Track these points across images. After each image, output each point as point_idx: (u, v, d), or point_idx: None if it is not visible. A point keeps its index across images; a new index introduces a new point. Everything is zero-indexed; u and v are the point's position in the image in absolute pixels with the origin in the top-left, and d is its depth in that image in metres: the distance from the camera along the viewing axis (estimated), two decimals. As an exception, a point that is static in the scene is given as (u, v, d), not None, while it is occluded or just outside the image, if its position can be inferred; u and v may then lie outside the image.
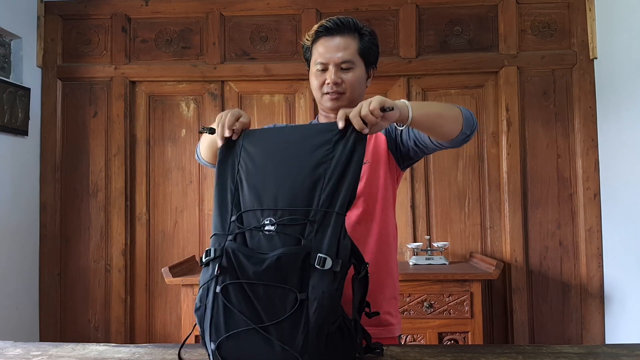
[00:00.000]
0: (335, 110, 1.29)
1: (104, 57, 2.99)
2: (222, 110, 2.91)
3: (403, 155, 1.32)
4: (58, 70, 2.96)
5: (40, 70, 2.95)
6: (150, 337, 2.90)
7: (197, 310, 0.94)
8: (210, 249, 0.96)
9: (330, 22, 1.28)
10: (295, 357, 0.86)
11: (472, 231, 2.84)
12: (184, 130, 2.97)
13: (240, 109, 2.90)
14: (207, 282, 0.93)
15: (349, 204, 0.94)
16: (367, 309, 1.04)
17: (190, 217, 2.94)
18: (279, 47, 2.95)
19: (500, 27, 2.86)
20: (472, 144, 2.86)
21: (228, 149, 1.03)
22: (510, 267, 2.75)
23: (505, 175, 2.80)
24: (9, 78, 2.75)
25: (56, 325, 2.89)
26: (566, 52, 2.82)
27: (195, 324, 0.97)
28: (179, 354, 1.02)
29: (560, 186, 2.80)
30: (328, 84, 1.26)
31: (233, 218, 0.96)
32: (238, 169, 0.99)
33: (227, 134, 1.02)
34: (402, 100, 1.07)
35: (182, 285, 2.39)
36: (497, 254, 2.81)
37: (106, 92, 2.98)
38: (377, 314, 1.05)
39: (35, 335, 2.84)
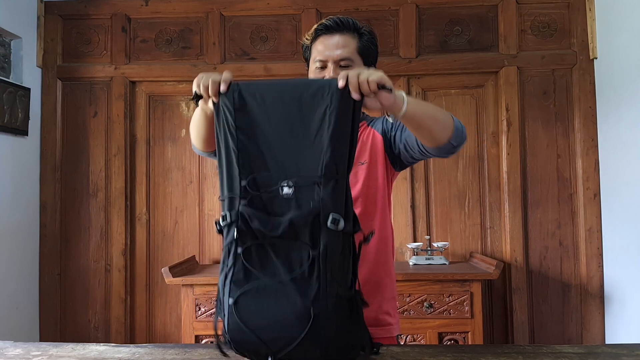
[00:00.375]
0: None
1: (104, 57, 2.99)
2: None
3: (396, 156, 1.32)
4: (58, 70, 2.96)
5: (40, 70, 2.95)
6: (150, 337, 2.90)
7: (221, 272, 0.97)
8: (225, 214, 0.96)
9: (330, 20, 1.29)
10: (307, 307, 0.89)
11: (472, 231, 2.84)
12: (184, 130, 2.97)
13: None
14: (229, 244, 0.95)
15: (349, 167, 0.96)
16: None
17: (190, 217, 2.94)
18: (279, 47, 2.95)
19: (500, 27, 2.86)
20: (472, 144, 2.86)
21: (220, 107, 0.99)
22: (510, 267, 2.75)
23: (505, 175, 2.80)
24: (9, 78, 2.75)
25: (56, 325, 2.89)
26: (566, 52, 2.83)
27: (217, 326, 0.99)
28: (219, 348, 1.00)
29: (560, 186, 2.80)
30: None
31: (244, 182, 0.95)
32: (237, 126, 0.97)
33: (214, 99, 0.99)
34: (401, 91, 1.07)
35: (182, 285, 2.39)
36: (497, 254, 2.81)
37: (106, 92, 2.98)
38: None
39: (35, 335, 2.84)
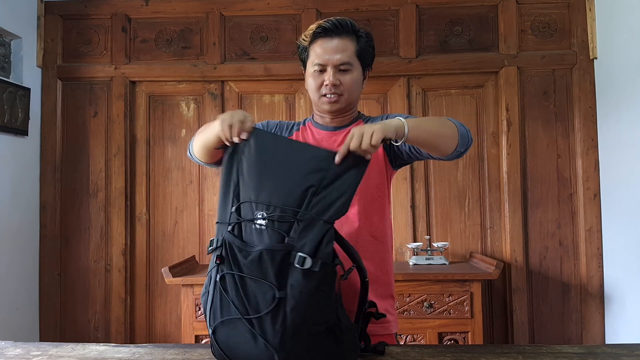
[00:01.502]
0: (332, 112, 1.30)
1: (104, 57, 2.99)
2: (222, 110, 2.92)
3: (396, 156, 1.32)
4: (58, 70, 2.96)
5: (40, 70, 2.95)
6: (150, 337, 2.90)
7: (203, 295, 1.00)
8: (213, 239, 1.01)
9: (328, 23, 1.28)
10: (271, 353, 0.88)
11: (472, 231, 2.84)
12: (184, 130, 2.97)
13: (241, 109, 2.90)
14: (210, 270, 0.99)
15: (337, 215, 0.95)
16: (373, 309, 1.04)
17: (190, 217, 2.94)
18: (279, 47, 2.95)
19: (501, 27, 2.86)
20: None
21: (235, 144, 1.05)
22: (510, 267, 2.75)
23: (505, 175, 2.80)
24: (9, 78, 2.75)
25: (56, 325, 2.89)
26: (566, 52, 2.83)
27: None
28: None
29: (560, 186, 2.80)
30: (326, 85, 1.27)
31: (233, 209, 0.99)
32: (241, 159, 1.01)
33: (235, 139, 1.02)
34: (398, 117, 1.08)
35: (182, 285, 2.39)
36: (497, 254, 2.81)
37: (106, 92, 2.98)
38: (384, 315, 1.05)
39: (35, 335, 2.84)
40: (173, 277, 2.35)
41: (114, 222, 2.91)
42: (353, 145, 0.96)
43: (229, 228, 0.97)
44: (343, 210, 0.95)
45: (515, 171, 2.79)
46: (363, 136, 0.96)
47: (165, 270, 2.36)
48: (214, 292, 0.96)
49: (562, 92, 2.83)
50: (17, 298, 2.73)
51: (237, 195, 0.99)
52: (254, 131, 1.03)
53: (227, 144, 1.04)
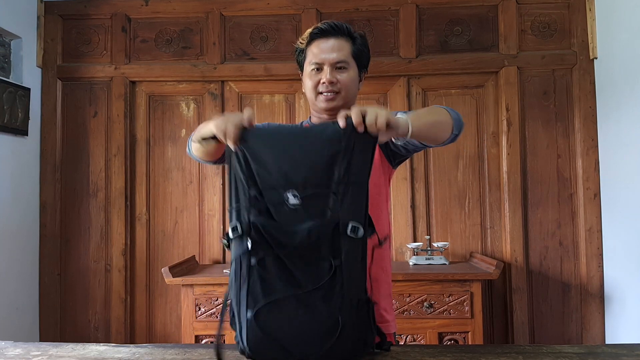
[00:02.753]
0: (329, 110, 1.32)
1: (104, 57, 2.99)
2: (222, 110, 2.92)
3: (394, 153, 1.34)
4: (58, 70, 2.96)
5: (40, 70, 2.95)
6: (150, 337, 2.90)
7: (231, 284, 0.96)
8: (235, 225, 0.95)
9: (325, 24, 1.33)
10: (335, 317, 0.90)
11: (472, 231, 2.84)
12: (184, 130, 2.97)
13: (240, 109, 2.90)
14: (240, 255, 0.94)
15: (366, 176, 0.96)
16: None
17: (190, 217, 2.94)
18: (279, 47, 2.95)
19: (501, 27, 2.86)
20: (472, 144, 2.86)
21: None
22: (510, 267, 2.75)
23: (505, 175, 2.80)
24: (9, 78, 2.75)
25: (56, 325, 2.89)
26: (566, 52, 2.83)
27: (221, 324, 0.97)
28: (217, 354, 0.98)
29: (560, 186, 2.80)
30: (323, 83, 1.29)
31: (253, 193, 0.95)
32: (249, 146, 0.98)
33: (233, 148, 0.98)
34: (400, 115, 1.07)
35: (182, 285, 2.39)
36: (497, 254, 2.81)
37: (106, 92, 2.98)
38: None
39: (35, 335, 2.84)
40: (173, 277, 2.35)
41: (114, 222, 2.91)
42: (355, 111, 0.95)
43: (254, 211, 0.94)
44: (368, 172, 0.96)
45: (515, 171, 2.79)
46: (369, 111, 0.96)
47: (165, 270, 2.36)
48: (250, 276, 0.93)
49: (562, 92, 2.83)
50: (17, 298, 2.73)
51: (251, 178, 0.96)
52: (253, 130, 1.00)
53: (233, 148, 1.00)
